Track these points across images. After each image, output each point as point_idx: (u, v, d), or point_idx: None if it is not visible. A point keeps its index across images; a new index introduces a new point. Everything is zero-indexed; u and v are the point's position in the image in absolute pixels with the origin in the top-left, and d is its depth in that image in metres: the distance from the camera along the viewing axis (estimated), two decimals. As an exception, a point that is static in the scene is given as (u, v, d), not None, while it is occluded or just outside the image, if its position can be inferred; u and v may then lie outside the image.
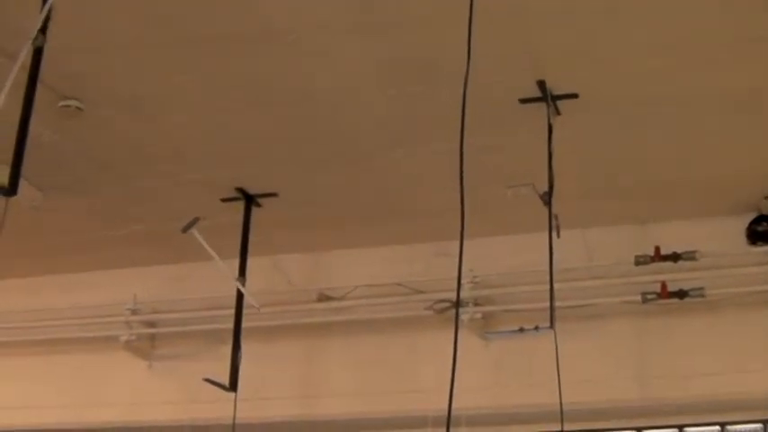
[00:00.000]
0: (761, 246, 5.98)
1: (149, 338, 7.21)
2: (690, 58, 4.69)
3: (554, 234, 4.89)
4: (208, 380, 5.78)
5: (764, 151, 5.45)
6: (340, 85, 5.03)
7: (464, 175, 3.30)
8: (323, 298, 6.77)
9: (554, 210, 4.93)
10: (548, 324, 4.73)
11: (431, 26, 4.50)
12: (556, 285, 4.86)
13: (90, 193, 6.27)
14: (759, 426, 5.97)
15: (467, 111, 3.40)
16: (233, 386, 5.90)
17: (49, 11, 3.97)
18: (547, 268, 4.86)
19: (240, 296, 6.15)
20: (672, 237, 6.07)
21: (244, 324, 6.15)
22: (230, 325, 6.15)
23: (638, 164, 5.67)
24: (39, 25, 3.94)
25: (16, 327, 7.26)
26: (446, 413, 3.11)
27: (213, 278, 6.32)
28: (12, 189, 3.78)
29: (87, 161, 5.86)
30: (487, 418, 6.16)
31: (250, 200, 6.22)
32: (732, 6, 4.34)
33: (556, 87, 4.94)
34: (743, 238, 6.05)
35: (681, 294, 5.91)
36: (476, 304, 6.22)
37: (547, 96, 4.96)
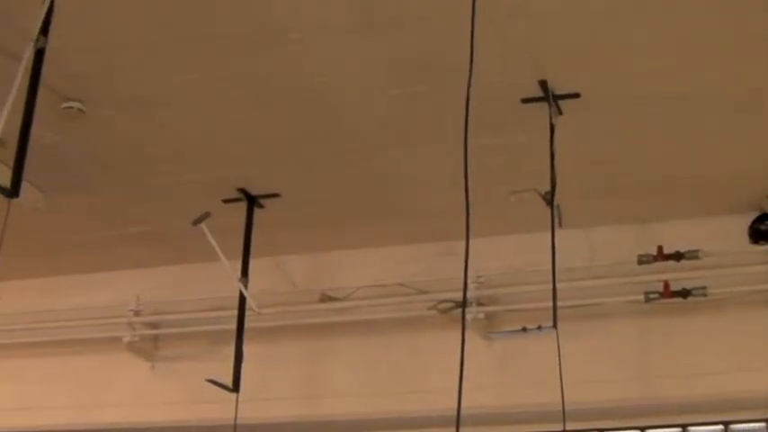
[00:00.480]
0: (763, 245, 5.98)
1: (152, 339, 7.20)
2: (691, 57, 4.69)
3: (556, 232, 4.89)
4: (211, 380, 5.78)
5: (767, 150, 5.45)
6: (342, 85, 5.03)
7: (468, 174, 3.30)
8: (325, 298, 6.76)
9: (556, 206, 4.94)
10: (550, 324, 4.73)
11: (432, 26, 4.50)
12: (558, 285, 4.86)
13: (92, 194, 6.27)
14: (762, 425, 5.97)
15: (469, 111, 3.40)
16: (236, 387, 5.90)
17: (50, 12, 3.98)
18: (549, 268, 4.86)
19: (243, 297, 6.15)
20: (674, 236, 6.06)
21: (246, 325, 6.16)
22: (233, 326, 6.16)
23: (641, 163, 5.67)
24: (39, 27, 3.95)
25: (18, 328, 7.26)
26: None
27: (216, 279, 6.32)
28: (14, 191, 3.78)
29: (89, 162, 5.86)
30: (490, 417, 6.15)
31: (252, 201, 6.22)
32: (732, 6, 4.33)
33: (558, 87, 4.94)
34: (745, 237, 6.05)
35: (684, 293, 5.90)
36: (479, 304, 6.21)
37: (549, 96, 4.95)
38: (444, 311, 6.25)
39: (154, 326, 7.18)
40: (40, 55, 4.00)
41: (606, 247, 6.24)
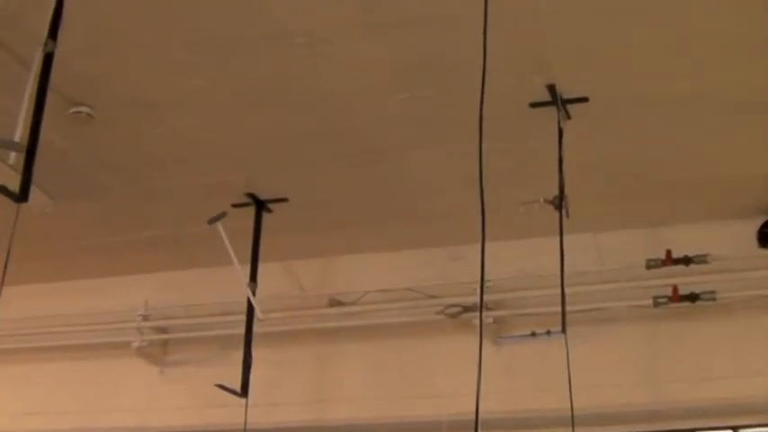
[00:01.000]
0: (772, 249, 5.98)
1: (161, 344, 7.22)
2: (699, 59, 4.68)
3: (565, 237, 4.88)
4: (219, 385, 5.78)
5: (776, 154, 5.45)
6: (352, 88, 5.03)
7: (483, 178, 3.30)
8: (334, 303, 6.76)
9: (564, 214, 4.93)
10: (559, 328, 4.73)
11: (443, 30, 4.51)
12: (567, 289, 4.85)
13: (101, 198, 6.27)
14: (771, 429, 5.97)
15: (479, 115, 3.40)
16: (244, 391, 5.91)
17: (59, 16, 3.98)
18: (558, 272, 4.86)
19: (251, 301, 6.15)
20: (683, 240, 6.05)
21: (255, 329, 6.16)
22: (242, 330, 6.16)
23: (649, 167, 5.66)
24: (47, 31, 3.95)
25: (27, 333, 7.28)
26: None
27: (224, 283, 6.33)
28: (23, 196, 3.78)
29: (98, 167, 5.87)
30: (499, 422, 6.12)
31: (261, 205, 6.23)
32: (746, 7, 4.32)
33: (566, 91, 4.94)
34: (754, 241, 6.04)
35: (692, 298, 5.89)
36: (487, 308, 6.21)
37: (557, 100, 4.95)
38: (453, 316, 6.25)
39: (162, 330, 7.19)
40: (48, 59, 4.00)
41: (615, 251, 6.24)
